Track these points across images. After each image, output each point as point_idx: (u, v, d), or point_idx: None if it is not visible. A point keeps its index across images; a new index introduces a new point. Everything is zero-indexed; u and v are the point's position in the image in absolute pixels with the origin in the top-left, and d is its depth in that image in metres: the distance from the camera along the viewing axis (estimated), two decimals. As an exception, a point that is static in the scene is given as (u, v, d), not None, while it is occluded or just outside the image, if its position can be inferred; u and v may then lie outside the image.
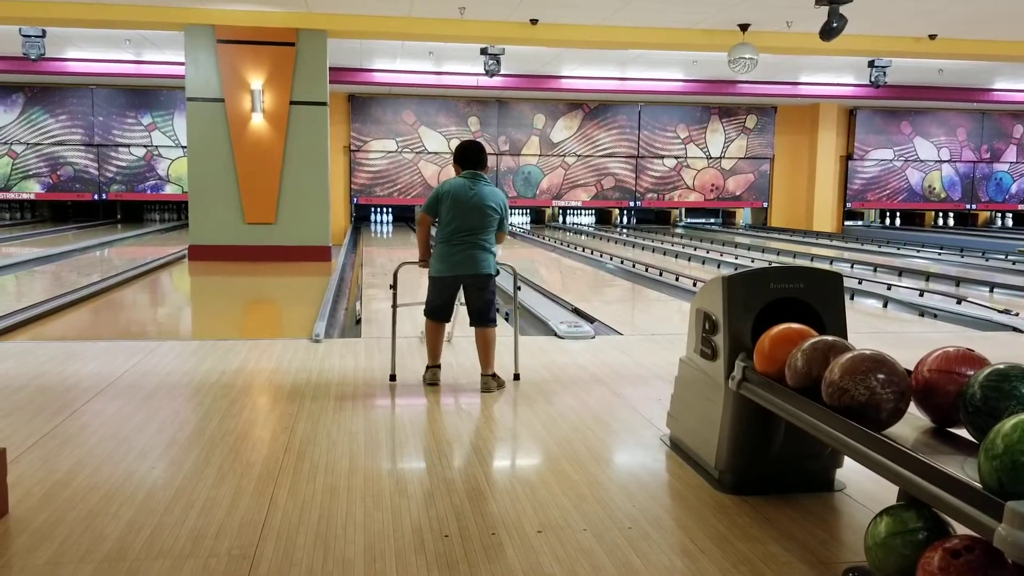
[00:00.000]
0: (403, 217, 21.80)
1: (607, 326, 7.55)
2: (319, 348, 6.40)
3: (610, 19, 12.29)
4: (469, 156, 5.25)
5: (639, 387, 5.35)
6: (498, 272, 5.34)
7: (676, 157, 21.65)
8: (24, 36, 12.89)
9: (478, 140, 5.61)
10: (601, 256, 14.17)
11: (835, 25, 10.49)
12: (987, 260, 14.01)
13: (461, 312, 5.72)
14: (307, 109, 12.76)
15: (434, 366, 5.35)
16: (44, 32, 12.94)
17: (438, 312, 5.31)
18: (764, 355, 3.29)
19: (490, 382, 5.19)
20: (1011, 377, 2.47)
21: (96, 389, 5.09)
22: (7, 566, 2.82)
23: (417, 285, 8.98)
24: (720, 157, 21.83)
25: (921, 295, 9.79)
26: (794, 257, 14.34)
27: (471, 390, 5.20)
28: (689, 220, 23.78)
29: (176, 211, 21.21)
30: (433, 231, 5.34)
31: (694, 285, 10.02)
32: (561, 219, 22.83)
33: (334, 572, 2.80)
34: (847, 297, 4.20)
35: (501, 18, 12.28)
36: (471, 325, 5.29)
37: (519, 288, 5.83)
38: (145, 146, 19.53)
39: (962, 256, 14.82)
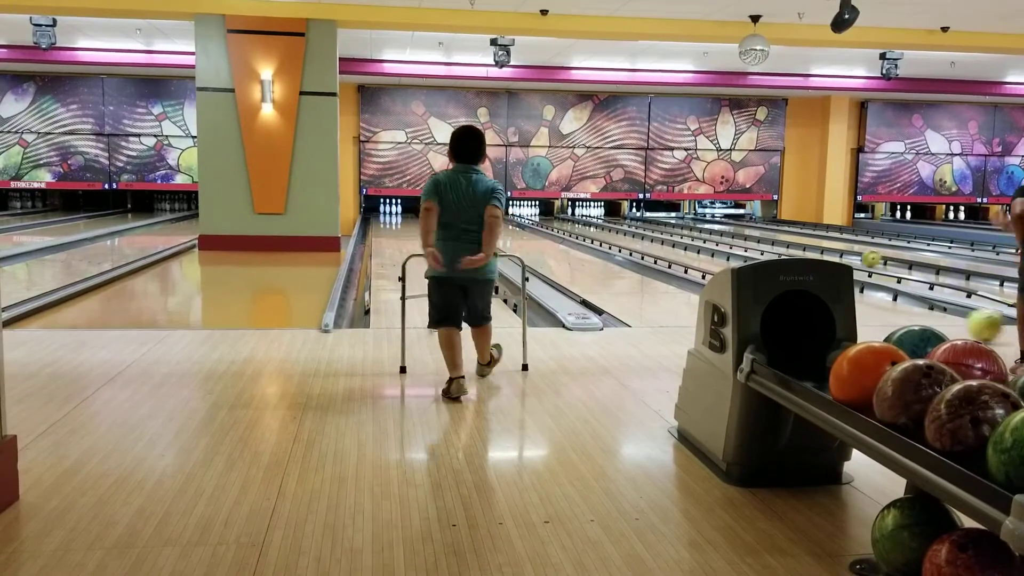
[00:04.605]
0: (412, 208, 21.80)
1: (615, 318, 7.55)
2: (328, 338, 6.41)
3: (621, 10, 12.24)
4: (463, 148, 4.81)
5: (647, 379, 5.35)
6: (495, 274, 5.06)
7: (686, 149, 21.58)
8: (35, 25, 12.91)
9: (475, 127, 4.98)
10: (610, 248, 14.15)
11: (847, 17, 10.42)
12: (998, 254, 13.92)
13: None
14: (317, 99, 12.77)
15: (457, 377, 4.82)
16: (55, 21, 12.96)
17: (447, 317, 4.89)
18: (842, 379, 2.83)
19: (484, 369, 5.31)
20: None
21: (107, 377, 5.12)
22: (18, 552, 2.84)
23: (426, 276, 9.03)
24: (730, 149, 21.75)
25: (931, 289, 9.76)
26: (804, 250, 14.29)
27: (478, 381, 5.20)
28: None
29: (186, 201, 21.24)
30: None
31: (703, 278, 10.00)
32: (570, 211, 22.81)
33: (343, 560, 2.82)
34: (856, 290, 4.18)
35: (511, 8, 12.25)
36: (471, 325, 5.05)
37: (527, 279, 5.83)
38: (155, 136, 19.57)
39: (972, 250, 14.74)
